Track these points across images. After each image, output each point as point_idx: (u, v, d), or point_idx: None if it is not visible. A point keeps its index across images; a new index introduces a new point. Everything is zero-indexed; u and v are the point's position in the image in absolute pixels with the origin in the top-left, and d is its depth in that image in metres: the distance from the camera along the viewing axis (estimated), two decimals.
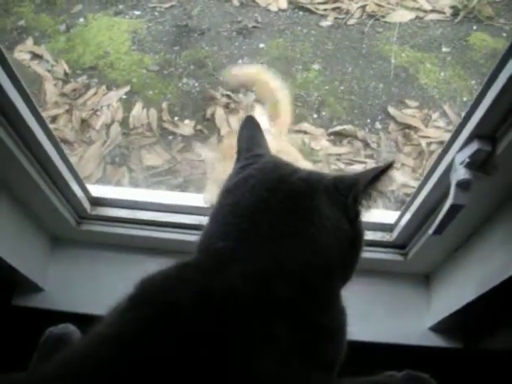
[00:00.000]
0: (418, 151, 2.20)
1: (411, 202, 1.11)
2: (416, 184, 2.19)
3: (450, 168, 0.90)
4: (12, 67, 0.87)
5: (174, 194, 1.50)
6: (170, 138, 2.22)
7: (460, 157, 0.84)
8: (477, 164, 0.82)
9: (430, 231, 0.94)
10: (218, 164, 1.61)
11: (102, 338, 0.62)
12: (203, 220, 1.22)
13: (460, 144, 0.85)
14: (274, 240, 0.68)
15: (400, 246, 1.20)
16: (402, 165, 2.17)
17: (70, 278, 1.30)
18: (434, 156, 2.19)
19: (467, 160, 0.82)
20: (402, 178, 2.14)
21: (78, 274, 1.30)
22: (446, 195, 0.98)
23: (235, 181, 0.75)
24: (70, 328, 1.03)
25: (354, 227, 0.73)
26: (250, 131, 0.84)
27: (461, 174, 0.82)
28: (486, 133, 0.81)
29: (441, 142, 2.20)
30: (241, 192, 0.73)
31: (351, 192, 0.71)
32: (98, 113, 2.30)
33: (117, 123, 2.27)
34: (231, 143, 1.56)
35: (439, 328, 1.21)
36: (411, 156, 2.19)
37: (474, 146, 0.81)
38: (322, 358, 0.67)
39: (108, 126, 2.26)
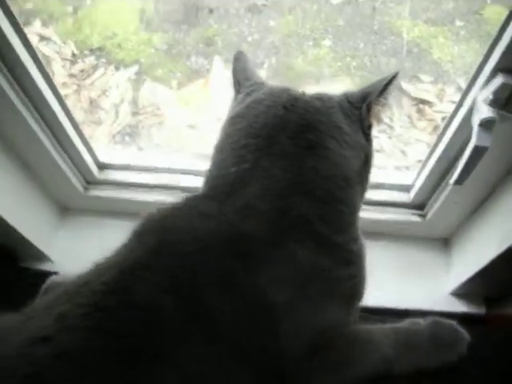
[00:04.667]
0: (432, 126, 2.15)
1: (428, 158, 1.07)
2: None
3: (470, 113, 0.86)
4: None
5: (186, 156, 1.46)
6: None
7: (483, 94, 0.80)
8: (501, 101, 0.77)
9: (451, 181, 0.90)
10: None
11: (104, 265, 0.60)
12: None
13: (482, 81, 0.81)
14: (296, 155, 0.66)
15: (418, 206, 1.15)
16: (417, 140, 2.12)
17: (78, 247, 1.26)
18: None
19: (491, 97, 0.77)
20: (416, 154, 2.09)
21: (86, 243, 1.26)
22: (465, 146, 0.94)
23: (244, 106, 0.73)
24: (71, 276, 1.00)
25: (369, 142, 0.75)
26: (244, 64, 0.83)
27: (484, 112, 0.78)
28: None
29: None
30: (254, 114, 0.71)
31: (364, 102, 0.73)
32: (107, 93, 2.28)
33: (126, 103, 2.25)
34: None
35: (461, 292, 1.16)
36: (426, 131, 2.14)
37: (498, 81, 0.76)
38: (341, 287, 0.64)
39: (117, 106, 2.24)
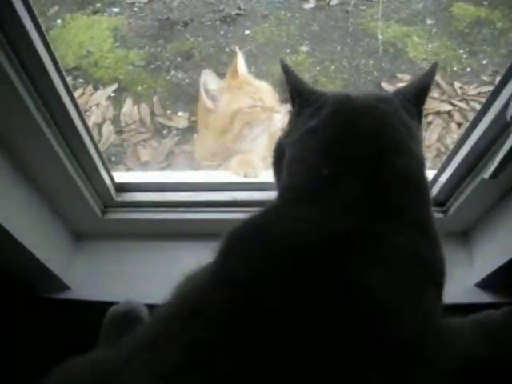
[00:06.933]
0: None
1: (452, 156, 1.08)
2: None
3: (503, 110, 0.88)
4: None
5: (202, 172, 1.45)
6: (165, 132, 2.17)
7: None
8: None
9: (487, 176, 0.92)
10: None
11: (204, 286, 0.59)
12: (236, 196, 1.19)
13: None
14: (385, 152, 0.69)
15: (440, 203, 1.17)
16: None
17: (97, 273, 1.23)
18: (432, 127, 2.19)
19: None
20: None
21: (106, 269, 1.23)
22: (494, 142, 0.96)
23: (320, 119, 0.74)
24: (134, 303, 0.97)
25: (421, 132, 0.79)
26: (295, 75, 0.82)
27: None
28: None
29: (437, 112, 2.21)
30: (333, 124, 0.72)
31: (420, 99, 0.77)
32: (88, 113, 2.24)
33: (108, 122, 2.21)
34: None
35: (486, 284, 1.18)
36: None
37: None
38: (434, 269, 0.67)
39: (99, 126, 2.20)
